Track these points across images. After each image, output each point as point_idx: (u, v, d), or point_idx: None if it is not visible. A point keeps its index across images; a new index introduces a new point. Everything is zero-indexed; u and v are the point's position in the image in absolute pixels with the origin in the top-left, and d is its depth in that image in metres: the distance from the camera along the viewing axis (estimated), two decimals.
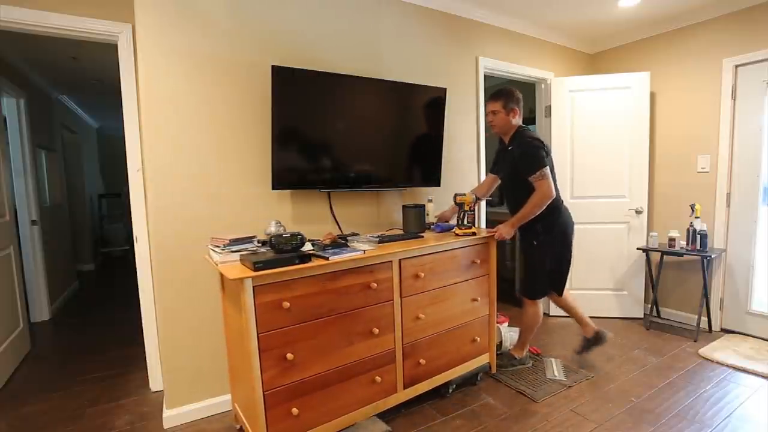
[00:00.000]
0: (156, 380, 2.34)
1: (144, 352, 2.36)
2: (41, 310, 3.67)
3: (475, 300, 2.27)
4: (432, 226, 2.42)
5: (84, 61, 3.49)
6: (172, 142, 1.94)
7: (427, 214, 2.51)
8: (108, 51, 3.11)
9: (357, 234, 2.32)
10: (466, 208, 2.24)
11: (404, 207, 2.32)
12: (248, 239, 1.79)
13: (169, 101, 1.92)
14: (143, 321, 2.30)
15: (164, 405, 2.03)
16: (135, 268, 2.32)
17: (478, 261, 2.27)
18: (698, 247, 2.87)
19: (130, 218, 2.27)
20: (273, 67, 1.98)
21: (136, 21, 1.86)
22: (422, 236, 2.19)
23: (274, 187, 2.07)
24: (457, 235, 2.21)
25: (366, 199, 2.51)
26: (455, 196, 2.27)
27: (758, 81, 2.80)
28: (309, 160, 2.15)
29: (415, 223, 2.29)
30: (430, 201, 2.59)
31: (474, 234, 2.22)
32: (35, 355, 2.93)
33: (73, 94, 4.70)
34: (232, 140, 2.09)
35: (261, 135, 2.16)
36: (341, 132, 2.23)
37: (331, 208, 2.38)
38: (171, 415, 2.01)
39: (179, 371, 2.02)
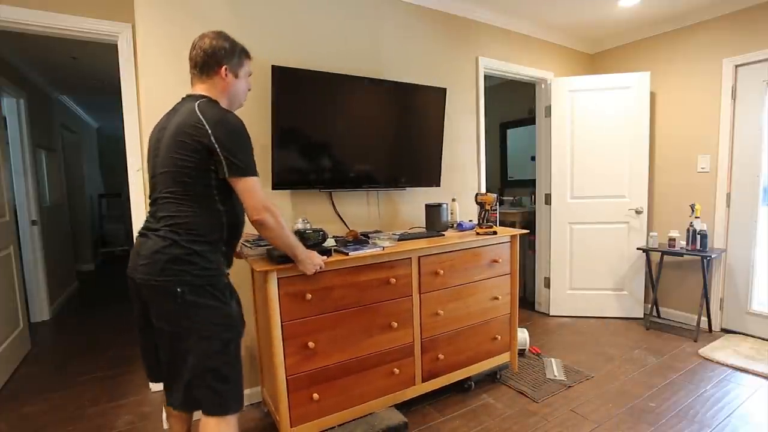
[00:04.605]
0: None
1: None
2: (41, 310, 3.67)
3: (495, 299, 2.28)
4: (455, 225, 2.43)
5: (84, 61, 3.49)
6: None
7: (452, 213, 2.54)
8: (108, 51, 3.12)
9: (380, 231, 2.38)
10: (487, 207, 2.27)
11: (427, 206, 2.33)
12: None
13: (169, 101, 1.91)
14: None
15: (164, 405, 2.03)
16: None
17: (500, 260, 2.27)
18: (698, 247, 2.87)
19: (130, 218, 2.27)
20: (273, 67, 1.98)
21: (136, 21, 1.86)
22: (443, 234, 2.21)
23: (274, 187, 2.08)
24: (477, 233, 2.22)
25: (366, 198, 2.51)
26: (476, 195, 2.30)
27: (758, 81, 2.80)
28: (309, 160, 2.15)
29: (437, 222, 2.30)
30: (454, 200, 2.62)
31: (495, 233, 2.23)
32: (35, 355, 2.93)
33: (73, 94, 4.70)
34: None
35: (261, 135, 2.15)
36: (341, 132, 2.23)
37: (334, 207, 2.38)
38: None
39: None
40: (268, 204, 1.28)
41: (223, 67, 1.33)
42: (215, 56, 1.32)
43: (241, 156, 1.23)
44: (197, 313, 1.22)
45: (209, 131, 1.19)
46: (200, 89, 1.35)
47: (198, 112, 1.22)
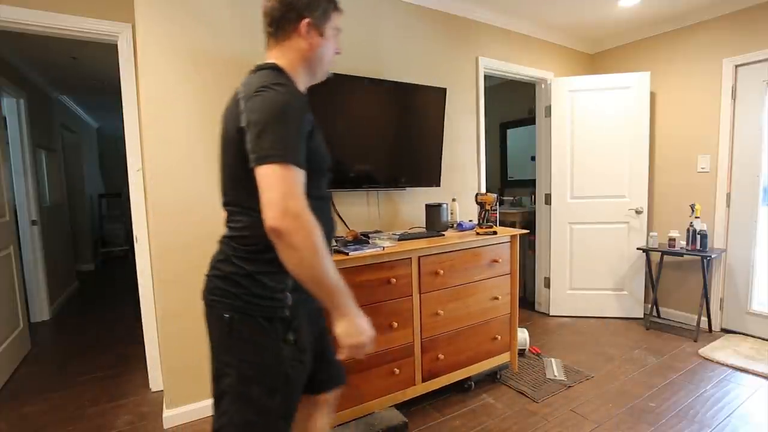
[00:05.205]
0: (156, 380, 2.34)
1: (144, 352, 2.36)
2: (41, 310, 3.67)
3: (495, 299, 2.28)
4: (455, 225, 2.43)
5: (84, 61, 3.49)
6: (172, 142, 1.94)
7: (452, 213, 2.54)
8: (108, 51, 3.11)
9: (380, 231, 2.39)
10: (488, 207, 2.28)
11: (427, 206, 2.33)
12: None
13: (169, 101, 1.93)
14: (143, 321, 2.30)
15: (164, 405, 2.03)
16: (135, 268, 2.32)
17: (500, 260, 2.28)
18: (698, 247, 2.87)
19: (130, 218, 2.27)
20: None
21: (136, 21, 1.86)
22: (443, 234, 2.22)
23: None
24: (477, 233, 2.22)
25: (366, 198, 2.51)
26: (476, 195, 2.31)
27: (758, 81, 2.80)
28: None
29: (437, 222, 2.30)
30: (454, 200, 2.63)
31: (495, 233, 2.23)
32: (35, 355, 2.93)
33: (73, 94, 4.70)
34: None
35: None
36: (341, 132, 2.23)
37: (334, 207, 2.37)
38: (171, 415, 2.01)
39: (179, 371, 2.02)
40: (294, 205, 0.84)
41: (305, 21, 1.00)
42: (294, 6, 1.00)
43: (268, 136, 0.86)
44: (241, 348, 0.96)
45: (242, 108, 0.91)
46: (272, 55, 1.03)
47: (241, 86, 0.95)
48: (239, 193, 0.97)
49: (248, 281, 0.95)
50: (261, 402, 0.96)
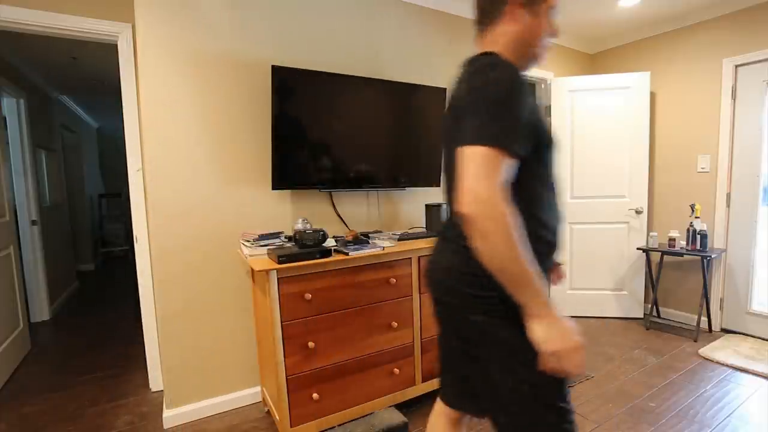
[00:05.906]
0: (156, 380, 2.34)
1: (144, 352, 2.36)
2: (41, 310, 3.67)
3: None
4: None
5: (84, 61, 3.49)
6: (172, 142, 1.94)
7: None
8: (108, 51, 3.12)
9: (380, 231, 2.40)
10: None
11: (427, 206, 2.34)
12: (276, 235, 1.94)
13: (169, 101, 1.93)
14: (143, 321, 2.30)
15: (164, 405, 2.03)
16: (135, 268, 2.32)
17: None
18: (698, 247, 2.87)
19: (130, 218, 2.27)
20: (273, 67, 1.98)
21: (136, 21, 1.86)
22: None
23: (273, 187, 2.08)
24: None
25: (366, 198, 2.51)
26: None
27: (758, 81, 2.80)
28: (309, 160, 2.16)
29: (437, 222, 2.30)
30: None
31: None
32: (35, 355, 2.93)
33: (73, 94, 4.70)
34: (232, 140, 2.09)
35: (261, 135, 2.16)
36: (341, 132, 2.23)
37: (334, 207, 2.38)
38: (171, 415, 2.01)
39: (179, 371, 2.02)
40: (485, 188, 0.75)
41: (515, 2, 0.94)
42: None
43: (473, 118, 0.81)
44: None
45: (452, 95, 0.91)
46: (484, 45, 1.00)
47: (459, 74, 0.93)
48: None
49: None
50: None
